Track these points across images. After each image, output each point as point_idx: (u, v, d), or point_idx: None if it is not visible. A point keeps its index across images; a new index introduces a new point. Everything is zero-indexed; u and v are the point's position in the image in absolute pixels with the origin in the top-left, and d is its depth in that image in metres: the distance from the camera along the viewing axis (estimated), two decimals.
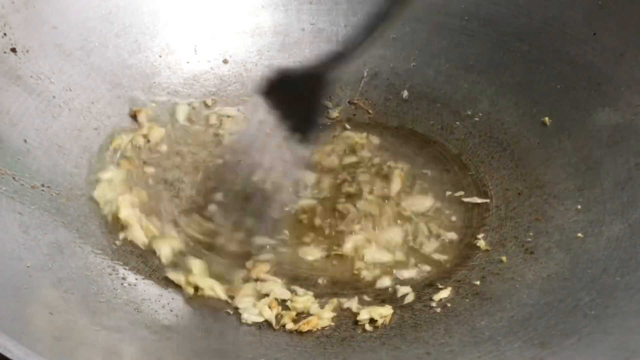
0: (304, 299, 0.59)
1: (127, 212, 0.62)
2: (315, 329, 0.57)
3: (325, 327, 0.57)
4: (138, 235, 0.62)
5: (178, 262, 0.61)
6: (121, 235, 0.62)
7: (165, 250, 0.61)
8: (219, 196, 0.64)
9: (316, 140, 0.61)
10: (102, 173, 0.65)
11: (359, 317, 0.58)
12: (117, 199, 0.63)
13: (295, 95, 0.59)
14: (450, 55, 0.76)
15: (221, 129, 0.73)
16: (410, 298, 0.60)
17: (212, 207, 0.63)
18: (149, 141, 0.69)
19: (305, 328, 0.57)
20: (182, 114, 0.73)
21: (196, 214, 0.63)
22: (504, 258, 0.62)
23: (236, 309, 0.58)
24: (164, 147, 0.69)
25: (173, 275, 0.60)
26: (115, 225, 0.62)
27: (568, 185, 0.66)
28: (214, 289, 0.59)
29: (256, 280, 0.60)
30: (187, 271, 0.60)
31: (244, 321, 0.57)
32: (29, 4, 0.67)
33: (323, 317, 0.58)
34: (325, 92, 0.61)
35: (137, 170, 0.67)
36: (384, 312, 0.58)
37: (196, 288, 0.59)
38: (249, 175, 0.62)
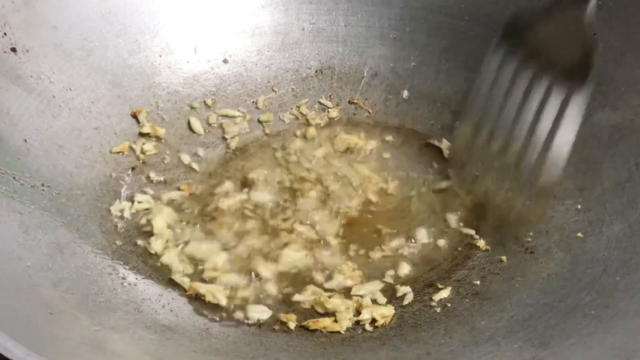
0: (338, 302, 0.59)
1: (160, 223, 0.63)
2: (322, 329, 0.57)
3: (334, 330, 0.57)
4: (157, 245, 0.62)
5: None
6: (139, 241, 0.63)
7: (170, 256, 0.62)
8: None
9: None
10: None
11: (361, 317, 0.57)
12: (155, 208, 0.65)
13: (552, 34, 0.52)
14: (450, 55, 0.76)
15: (226, 133, 0.73)
16: (410, 298, 0.60)
17: None
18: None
19: (313, 327, 0.57)
20: (198, 125, 0.73)
21: None
22: (504, 258, 0.62)
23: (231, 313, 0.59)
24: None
25: (177, 277, 0.60)
26: (138, 229, 0.63)
27: (568, 185, 0.66)
28: (216, 295, 0.59)
29: None
30: (211, 267, 0.60)
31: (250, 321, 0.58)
32: (29, 4, 0.66)
33: (342, 323, 0.57)
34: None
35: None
36: (385, 312, 0.58)
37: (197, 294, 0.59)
38: None
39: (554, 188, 0.58)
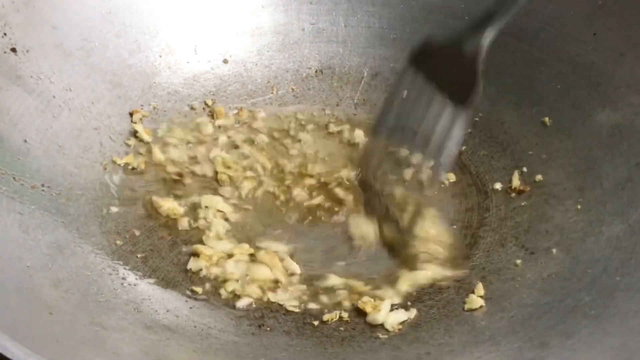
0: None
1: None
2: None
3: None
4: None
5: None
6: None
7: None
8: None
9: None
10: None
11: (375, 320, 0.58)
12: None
13: (449, 64, 0.60)
14: None
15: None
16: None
17: None
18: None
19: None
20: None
21: None
22: (504, 258, 0.62)
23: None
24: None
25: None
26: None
27: (568, 185, 0.66)
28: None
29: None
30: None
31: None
32: (29, 4, 0.67)
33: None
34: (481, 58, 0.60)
35: None
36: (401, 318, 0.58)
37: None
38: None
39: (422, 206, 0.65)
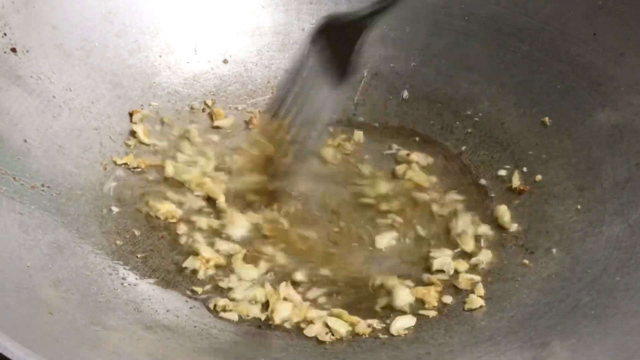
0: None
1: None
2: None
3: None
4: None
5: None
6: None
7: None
8: None
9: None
10: None
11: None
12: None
13: (338, 41, 0.63)
14: (450, 55, 0.76)
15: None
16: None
17: None
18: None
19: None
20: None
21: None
22: (504, 258, 0.62)
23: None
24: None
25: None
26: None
27: (568, 185, 0.66)
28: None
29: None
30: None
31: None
32: (29, 4, 0.67)
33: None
34: (361, 40, 0.63)
35: None
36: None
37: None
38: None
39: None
